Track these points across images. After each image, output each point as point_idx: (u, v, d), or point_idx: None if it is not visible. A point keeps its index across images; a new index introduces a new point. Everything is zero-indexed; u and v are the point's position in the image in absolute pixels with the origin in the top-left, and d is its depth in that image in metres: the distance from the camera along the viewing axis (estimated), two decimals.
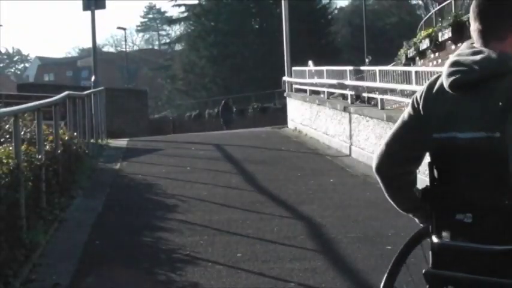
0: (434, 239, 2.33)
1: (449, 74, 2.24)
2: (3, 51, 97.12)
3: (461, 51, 2.28)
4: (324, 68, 15.73)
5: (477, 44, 2.27)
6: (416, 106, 2.36)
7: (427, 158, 2.39)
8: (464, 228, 2.24)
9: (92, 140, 13.17)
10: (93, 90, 15.27)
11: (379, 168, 2.49)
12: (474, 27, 2.28)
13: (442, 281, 2.33)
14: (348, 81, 13.39)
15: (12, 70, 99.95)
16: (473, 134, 2.20)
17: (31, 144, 7.07)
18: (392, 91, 11.03)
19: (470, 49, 2.26)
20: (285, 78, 19.84)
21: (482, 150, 2.19)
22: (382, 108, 11.05)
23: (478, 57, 2.20)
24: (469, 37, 2.34)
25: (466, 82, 2.21)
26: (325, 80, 15.22)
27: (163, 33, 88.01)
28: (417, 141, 2.38)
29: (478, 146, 2.20)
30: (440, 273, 2.32)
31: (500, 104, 2.14)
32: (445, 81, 2.26)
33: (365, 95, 12.76)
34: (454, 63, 2.25)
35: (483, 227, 2.21)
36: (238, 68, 45.44)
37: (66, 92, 10.63)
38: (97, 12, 18.34)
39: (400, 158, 2.46)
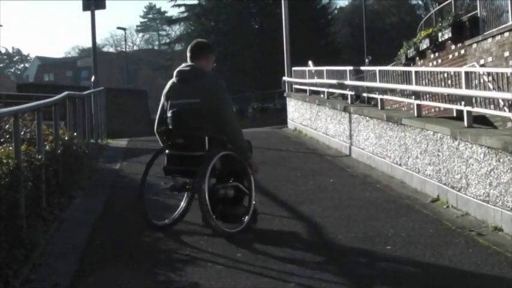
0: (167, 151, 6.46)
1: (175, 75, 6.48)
2: (3, 51, 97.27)
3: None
4: (324, 68, 15.71)
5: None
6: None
7: None
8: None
9: (92, 140, 13.18)
10: (93, 90, 15.27)
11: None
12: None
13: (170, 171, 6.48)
14: (348, 81, 13.38)
15: (12, 70, 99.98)
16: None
17: (31, 144, 7.07)
18: (392, 91, 11.03)
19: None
20: (285, 78, 19.83)
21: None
22: (382, 108, 11.05)
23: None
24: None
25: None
26: (325, 80, 15.21)
27: (163, 33, 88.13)
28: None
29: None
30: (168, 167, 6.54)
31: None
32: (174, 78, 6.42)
33: (365, 95, 12.75)
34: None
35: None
36: (238, 68, 45.42)
37: (66, 92, 10.62)
38: (97, 12, 18.37)
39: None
